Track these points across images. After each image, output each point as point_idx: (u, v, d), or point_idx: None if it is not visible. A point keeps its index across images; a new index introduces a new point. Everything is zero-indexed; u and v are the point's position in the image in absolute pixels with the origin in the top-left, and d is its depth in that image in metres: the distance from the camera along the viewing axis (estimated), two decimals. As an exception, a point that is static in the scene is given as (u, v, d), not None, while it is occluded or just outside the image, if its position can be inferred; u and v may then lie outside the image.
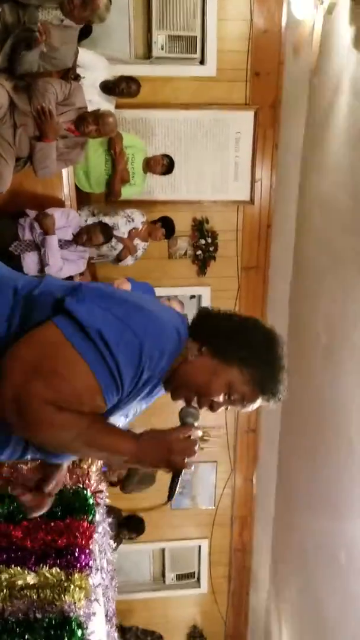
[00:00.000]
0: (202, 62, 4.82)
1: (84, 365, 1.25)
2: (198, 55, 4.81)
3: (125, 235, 4.41)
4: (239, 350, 1.39)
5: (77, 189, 4.30)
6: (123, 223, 4.46)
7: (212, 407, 1.45)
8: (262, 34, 4.79)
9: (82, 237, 3.77)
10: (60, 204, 3.78)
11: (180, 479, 1.41)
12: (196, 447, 1.37)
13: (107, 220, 4.33)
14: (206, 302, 5.43)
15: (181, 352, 1.39)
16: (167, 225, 4.61)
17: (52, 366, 1.24)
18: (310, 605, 4.42)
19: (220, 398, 1.43)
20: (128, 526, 5.19)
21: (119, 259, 4.45)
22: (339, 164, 3.81)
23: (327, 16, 3.69)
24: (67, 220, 3.71)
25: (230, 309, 1.50)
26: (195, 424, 1.41)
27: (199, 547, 6.42)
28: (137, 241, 4.52)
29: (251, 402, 1.45)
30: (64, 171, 3.68)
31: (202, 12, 4.68)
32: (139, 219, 4.54)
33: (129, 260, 4.50)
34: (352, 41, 3.41)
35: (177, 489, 1.43)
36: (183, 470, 1.38)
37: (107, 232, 3.96)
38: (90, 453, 1.38)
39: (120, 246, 4.40)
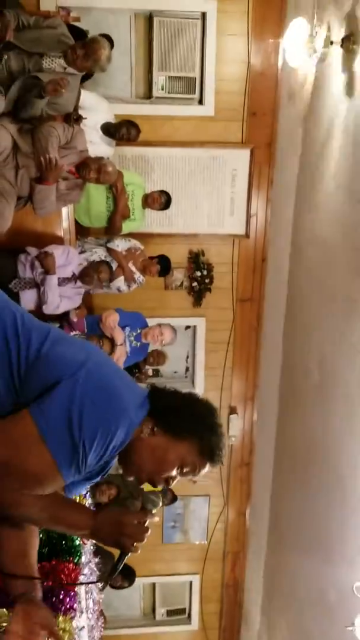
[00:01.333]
0: (200, 102, 4.96)
1: (53, 466, 1.37)
2: (197, 95, 4.95)
3: (120, 250, 4.48)
4: (187, 425, 1.50)
5: (77, 223, 4.39)
6: (122, 241, 4.57)
7: (167, 482, 1.56)
8: (259, 76, 4.93)
9: (90, 276, 3.87)
10: (59, 240, 3.85)
11: (126, 557, 1.50)
12: (147, 534, 1.48)
13: (97, 250, 4.45)
14: (201, 333, 5.49)
15: (136, 428, 1.48)
16: (163, 263, 4.68)
17: (24, 468, 1.37)
18: (301, 645, 4.37)
19: (174, 472, 1.53)
20: (121, 573, 5.14)
21: (111, 280, 4.49)
22: (331, 205, 3.89)
23: (319, 64, 3.81)
24: (66, 259, 3.79)
25: (172, 387, 1.62)
26: (154, 511, 1.52)
27: (190, 582, 6.35)
28: (133, 268, 4.58)
29: (201, 470, 1.55)
30: (64, 208, 3.76)
31: (202, 54, 4.83)
32: (136, 243, 4.63)
33: (121, 284, 4.54)
34: (343, 88, 3.53)
35: (122, 563, 1.52)
36: (130, 552, 1.48)
37: (110, 265, 4.10)
38: (55, 526, 1.54)
39: (114, 265, 4.45)
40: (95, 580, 1.60)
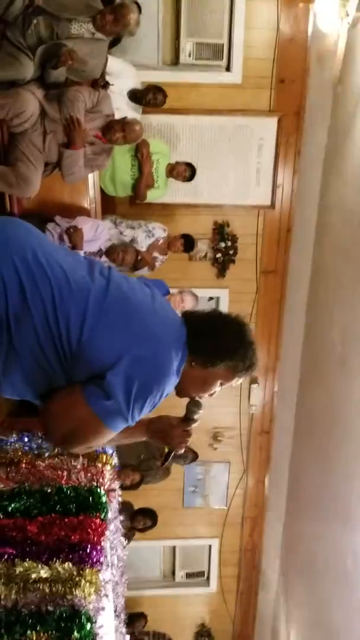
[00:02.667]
0: (228, 69, 4.87)
1: (111, 432, 1.64)
2: (224, 62, 4.86)
3: (144, 249, 4.49)
4: (221, 356, 1.74)
5: (102, 192, 4.39)
6: (143, 237, 4.53)
7: (211, 395, 1.84)
8: (288, 42, 4.82)
9: (116, 255, 3.89)
10: (85, 210, 3.87)
11: (173, 454, 1.92)
12: (190, 439, 1.88)
13: (127, 233, 4.43)
14: (224, 304, 5.50)
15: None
16: (187, 239, 4.68)
17: (86, 436, 1.64)
18: (317, 609, 4.47)
19: (214, 390, 1.82)
20: (142, 513, 5.30)
21: (135, 268, 4.53)
22: (359, 176, 3.84)
23: (351, 29, 3.72)
24: (94, 234, 3.81)
25: (204, 312, 1.84)
26: (196, 417, 1.86)
27: (210, 546, 6.49)
28: (155, 254, 4.59)
29: (238, 382, 1.83)
30: (90, 175, 3.77)
31: (230, 21, 4.73)
32: (159, 233, 4.61)
33: (144, 271, 4.59)
34: (376, 54, 3.45)
35: (170, 460, 1.94)
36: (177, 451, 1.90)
37: (137, 251, 4.20)
38: (121, 443, 1.93)
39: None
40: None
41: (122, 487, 4.80)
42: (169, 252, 4.69)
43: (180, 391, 1.80)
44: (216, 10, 4.71)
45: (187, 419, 1.86)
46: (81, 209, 3.93)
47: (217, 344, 1.73)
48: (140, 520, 5.24)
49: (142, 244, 4.49)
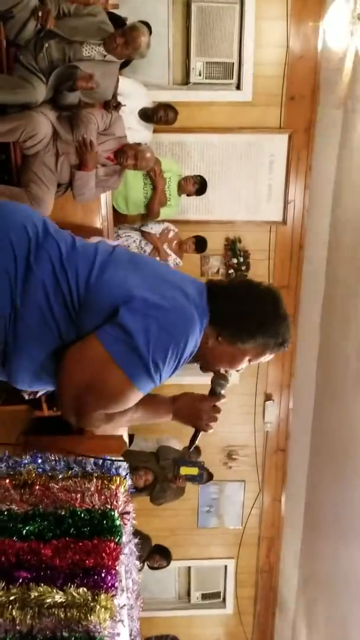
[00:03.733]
0: (238, 87, 4.92)
1: (131, 386, 1.44)
2: (234, 80, 4.91)
3: (154, 232, 4.50)
4: (253, 333, 1.56)
5: (115, 210, 4.42)
6: (156, 225, 4.61)
7: (237, 371, 1.69)
8: (298, 60, 4.86)
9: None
10: (97, 230, 3.89)
11: (200, 434, 1.76)
12: (218, 415, 1.72)
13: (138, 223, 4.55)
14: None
15: (201, 337, 1.55)
16: (198, 239, 4.69)
17: (103, 388, 1.44)
18: (336, 629, 4.37)
19: (243, 366, 1.66)
20: (159, 553, 5.26)
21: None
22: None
23: (362, 45, 3.73)
24: None
25: (231, 279, 1.67)
26: (223, 392, 1.72)
27: (225, 566, 6.40)
28: (168, 250, 4.60)
29: (268, 358, 1.67)
30: (102, 195, 3.79)
31: (240, 39, 4.78)
32: (169, 225, 4.65)
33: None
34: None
35: (197, 442, 1.80)
36: (205, 431, 1.75)
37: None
38: (144, 422, 1.74)
39: (149, 248, 4.49)
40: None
41: (136, 489, 4.80)
42: (181, 252, 4.70)
43: (204, 366, 1.67)
44: (226, 30, 4.76)
45: (214, 394, 1.72)
46: (94, 227, 3.94)
47: (246, 318, 1.55)
48: (156, 560, 5.21)
49: (152, 226, 4.55)
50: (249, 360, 1.64)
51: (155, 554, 5.22)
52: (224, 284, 1.66)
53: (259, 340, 1.57)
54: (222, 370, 1.70)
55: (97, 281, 1.47)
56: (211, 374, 1.74)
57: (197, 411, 1.71)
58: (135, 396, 1.47)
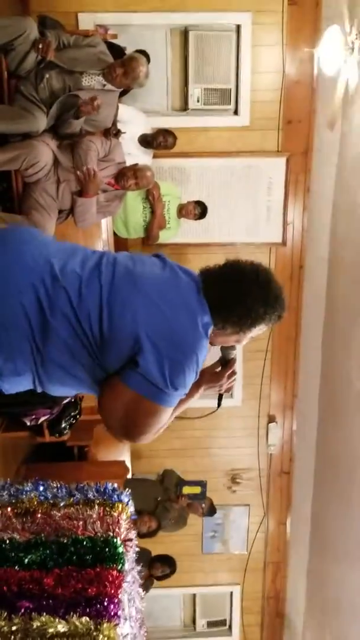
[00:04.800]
0: (236, 112, 4.99)
1: (165, 409, 1.69)
2: (232, 106, 4.99)
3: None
4: (253, 323, 1.73)
5: (115, 234, 4.47)
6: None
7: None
8: (294, 85, 4.94)
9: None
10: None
11: (223, 396, 2.03)
12: (235, 378, 1.96)
13: None
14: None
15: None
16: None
17: (142, 421, 1.69)
18: (345, 658, 4.28)
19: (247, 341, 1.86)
20: (160, 561, 5.17)
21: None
22: (370, 212, 3.86)
23: (355, 70, 3.79)
24: None
25: (221, 265, 1.80)
26: (233, 356, 1.93)
27: (231, 593, 6.30)
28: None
29: (269, 329, 1.85)
30: (103, 220, 3.84)
31: (236, 66, 4.87)
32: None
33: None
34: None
35: (222, 401, 2.04)
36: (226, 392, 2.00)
37: None
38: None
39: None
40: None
41: (139, 535, 4.74)
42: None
43: (213, 342, 1.84)
44: (223, 57, 4.85)
45: (226, 360, 1.94)
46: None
47: (246, 315, 1.71)
48: (158, 568, 5.10)
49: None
50: (251, 337, 1.84)
51: (156, 563, 5.13)
52: (216, 273, 1.78)
53: (260, 323, 1.75)
54: None
55: (110, 326, 1.65)
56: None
57: (218, 381, 1.93)
58: (170, 411, 1.72)
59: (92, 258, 1.78)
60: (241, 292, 1.70)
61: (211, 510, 5.35)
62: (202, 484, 5.08)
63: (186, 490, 5.00)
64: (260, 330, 1.80)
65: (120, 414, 1.67)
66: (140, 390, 1.64)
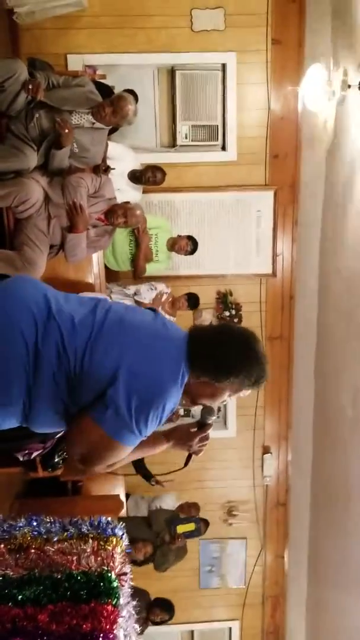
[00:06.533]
0: (223, 148, 5.10)
1: (125, 447, 1.77)
2: (219, 142, 5.10)
3: (147, 301, 4.55)
4: (226, 375, 1.78)
5: (107, 268, 4.51)
6: (145, 289, 4.64)
7: (222, 402, 1.93)
8: (280, 120, 5.07)
9: None
10: (90, 286, 3.95)
11: (192, 458, 2.06)
12: (207, 442, 2.00)
13: (131, 287, 4.57)
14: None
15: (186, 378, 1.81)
16: (191, 296, 4.76)
17: (102, 454, 1.79)
18: None
19: (225, 399, 1.89)
20: (160, 606, 5.04)
21: None
22: (357, 241, 3.93)
23: (338, 106, 3.92)
24: None
25: (208, 327, 1.98)
26: (210, 421, 1.99)
27: (230, 629, 6.16)
28: (160, 311, 4.64)
29: (246, 393, 1.88)
30: (94, 254, 3.88)
31: (223, 103, 5.00)
32: (162, 288, 4.71)
33: None
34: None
35: (190, 462, 2.08)
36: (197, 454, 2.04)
37: None
38: (141, 456, 2.11)
39: None
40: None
41: (137, 564, 4.65)
42: (175, 310, 4.76)
43: (191, 400, 1.91)
44: (209, 95, 4.98)
45: (203, 424, 1.98)
46: (86, 284, 4.01)
47: (220, 364, 1.78)
48: (157, 614, 4.98)
49: (145, 296, 4.56)
50: (229, 395, 1.87)
51: (155, 608, 5.01)
52: (204, 329, 1.93)
53: (233, 380, 1.79)
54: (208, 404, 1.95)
55: (90, 362, 1.74)
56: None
57: (190, 441, 1.98)
58: (127, 450, 1.79)
59: (88, 303, 1.90)
60: (223, 344, 1.80)
61: (205, 527, 5.24)
62: (195, 520, 4.98)
63: (180, 529, 4.89)
64: (236, 390, 1.83)
65: (83, 447, 1.77)
66: (105, 425, 1.71)
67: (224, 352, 1.79)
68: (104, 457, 1.78)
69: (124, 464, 1.95)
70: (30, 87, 3.15)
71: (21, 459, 3.24)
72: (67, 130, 3.16)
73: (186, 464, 2.09)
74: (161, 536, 4.89)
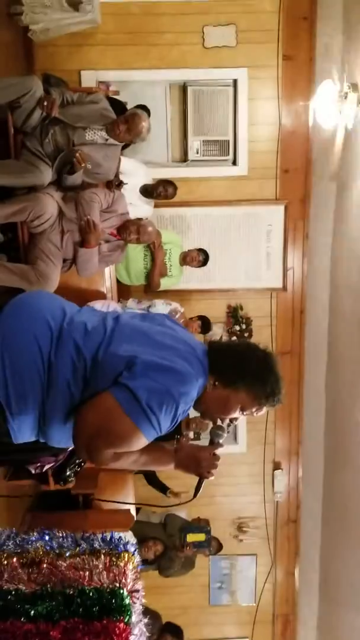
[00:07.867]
0: (234, 162, 5.14)
1: (136, 430, 1.69)
2: (230, 157, 5.14)
3: None
4: (243, 380, 1.80)
5: (118, 282, 4.53)
6: (160, 303, 4.64)
7: (231, 421, 1.93)
8: (290, 135, 5.09)
9: None
10: (102, 296, 3.98)
11: (204, 482, 1.92)
12: (218, 462, 1.88)
13: (144, 302, 4.58)
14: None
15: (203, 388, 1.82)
16: (204, 320, 4.76)
17: (112, 430, 1.70)
18: None
19: (236, 414, 1.87)
20: (171, 632, 5.00)
21: None
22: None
23: (349, 121, 3.93)
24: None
25: (228, 341, 1.86)
26: (221, 441, 1.91)
27: (240, 647, 6.08)
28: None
29: (259, 412, 1.87)
30: (106, 268, 3.91)
31: (234, 118, 5.04)
32: (176, 306, 4.72)
33: None
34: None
35: (201, 490, 1.94)
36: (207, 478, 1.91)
37: None
38: (147, 468, 2.08)
39: None
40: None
41: (148, 562, 4.63)
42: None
43: (203, 412, 1.91)
44: (220, 110, 5.03)
45: (213, 443, 1.92)
46: (99, 298, 4.03)
47: (239, 364, 1.80)
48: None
49: (160, 309, 4.57)
50: (241, 409, 1.84)
51: (166, 634, 4.96)
52: (225, 342, 1.99)
53: (249, 386, 1.80)
54: (219, 422, 1.92)
55: (105, 353, 1.75)
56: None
57: (198, 460, 1.88)
58: (140, 441, 1.72)
59: (99, 313, 1.95)
60: (242, 357, 1.83)
61: (219, 549, 5.22)
62: (206, 530, 4.95)
63: (190, 538, 4.88)
64: (249, 404, 1.82)
65: (94, 421, 1.70)
66: (122, 401, 1.67)
67: (243, 356, 1.83)
68: (114, 438, 1.71)
69: (130, 466, 1.92)
70: (45, 103, 3.20)
71: (33, 472, 3.24)
72: (83, 164, 3.21)
73: (197, 490, 1.97)
74: (173, 540, 4.88)
